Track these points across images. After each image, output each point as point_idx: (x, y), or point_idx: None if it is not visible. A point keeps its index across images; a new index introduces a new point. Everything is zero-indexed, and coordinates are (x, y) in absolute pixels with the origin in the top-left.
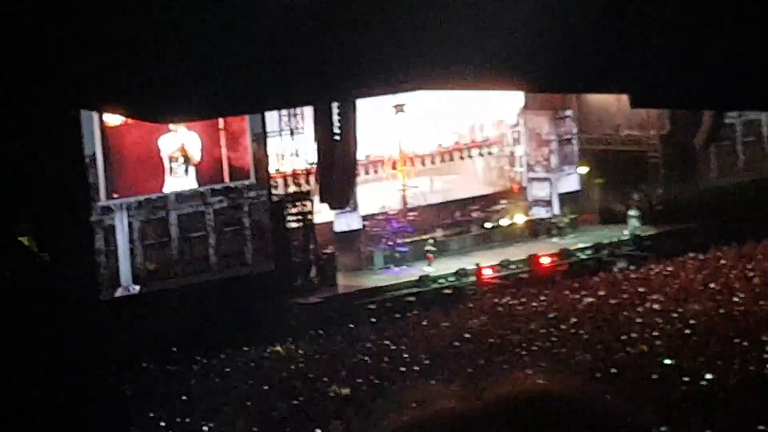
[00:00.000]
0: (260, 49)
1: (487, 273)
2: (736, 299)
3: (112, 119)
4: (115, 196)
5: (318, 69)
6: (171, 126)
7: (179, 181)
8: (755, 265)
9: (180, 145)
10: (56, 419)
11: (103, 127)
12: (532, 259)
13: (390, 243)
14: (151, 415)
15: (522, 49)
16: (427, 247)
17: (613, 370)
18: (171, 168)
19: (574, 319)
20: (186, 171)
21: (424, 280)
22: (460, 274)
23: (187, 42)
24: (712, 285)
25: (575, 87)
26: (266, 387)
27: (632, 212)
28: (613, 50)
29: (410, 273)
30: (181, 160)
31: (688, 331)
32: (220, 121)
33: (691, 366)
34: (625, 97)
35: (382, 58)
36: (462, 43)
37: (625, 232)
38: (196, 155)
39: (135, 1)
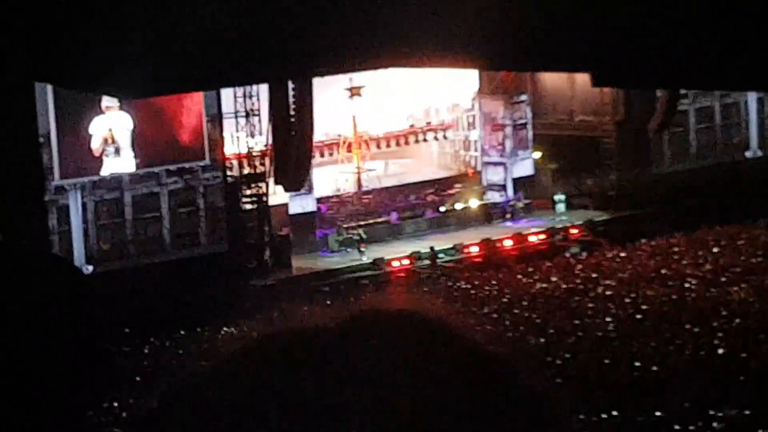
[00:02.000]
0: (215, 25)
1: (441, 256)
2: (687, 285)
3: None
4: (70, 176)
5: (274, 46)
6: (103, 106)
7: (115, 163)
8: (707, 252)
9: (108, 127)
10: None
11: (58, 106)
12: (488, 242)
13: (344, 226)
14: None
15: (483, 26)
16: (358, 234)
17: (566, 355)
18: (105, 151)
19: (526, 303)
20: (117, 153)
21: (377, 263)
22: (414, 257)
23: (141, 16)
24: (663, 271)
25: (537, 65)
26: None
27: (558, 197)
28: (575, 28)
29: (363, 256)
30: (110, 142)
31: (639, 316)
32: (174, 100)
33: (642, 351)
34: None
35: (339, 35)
36: (421, 19)
37: (558, 219)
38: (123, 138)
39: None
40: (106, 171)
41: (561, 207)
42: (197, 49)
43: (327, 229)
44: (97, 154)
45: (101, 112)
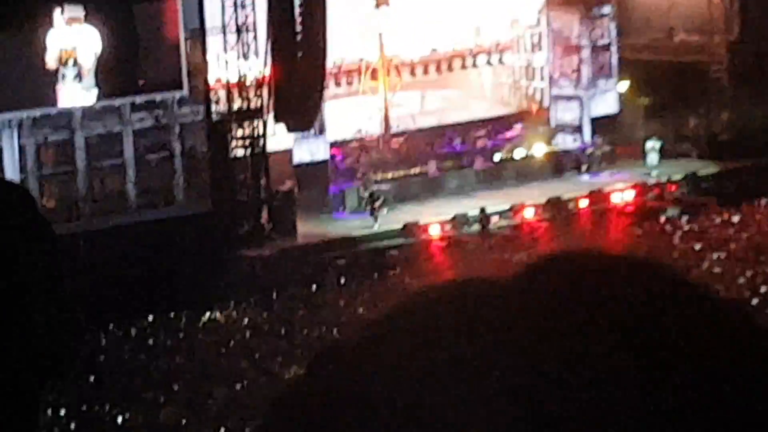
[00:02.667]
0: None
1: (494, 220)
2: None
3: None
4: (3, 109)
5: None
6: (65, 17)
7: (74, 91)
8: None
9: (71, 43)
10: None
11: None
12: (555, 203)
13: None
14: (50, 399)
15: None
16: (371, 193)
17: None
18: (62, 74)
19: None
20: (79, 78)
21: (410, 228)
22: (458, 221)
23: None
24: None
25: None
26: (200, 366)
27: (651, 143)
28: None
29: (392, 219)
30: (71, 63)
31: (757, 301)
32: (146, 10)
33: None
34: None
35: None
36: None
37: (650, 173)
38: (87, 61)
39: None
40: (63, 102)
41: (654, 157)
42: None
43: (344, 183)
44: (51, 69)
45: (60, 24)
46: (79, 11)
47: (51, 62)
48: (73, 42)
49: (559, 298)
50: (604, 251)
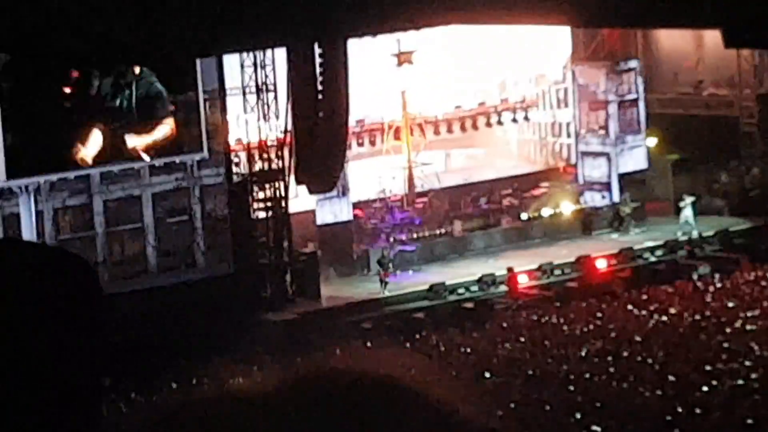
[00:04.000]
0: None
1: (523, 281)
2: None
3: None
4: (20, 174)
5: None
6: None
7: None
8: None
9: None
10: None
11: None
12: (584, 261)
13: (391, 240)
14: None
15: None
16: (379, 259)
17: (697, 410)
18: None
19: (639, 344)
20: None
21: (437, 290)
22: (486, 282)
23: None
24: None
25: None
26: None
27: (686, 200)
28: None
29: (418, 280)
30: None
31: None
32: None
33: None
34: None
35: None
36: None
37: (681, 232)
38: None
39: None
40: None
41: (688, 214)
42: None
43: (369, 243)
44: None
45: None
46: None
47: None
48: None
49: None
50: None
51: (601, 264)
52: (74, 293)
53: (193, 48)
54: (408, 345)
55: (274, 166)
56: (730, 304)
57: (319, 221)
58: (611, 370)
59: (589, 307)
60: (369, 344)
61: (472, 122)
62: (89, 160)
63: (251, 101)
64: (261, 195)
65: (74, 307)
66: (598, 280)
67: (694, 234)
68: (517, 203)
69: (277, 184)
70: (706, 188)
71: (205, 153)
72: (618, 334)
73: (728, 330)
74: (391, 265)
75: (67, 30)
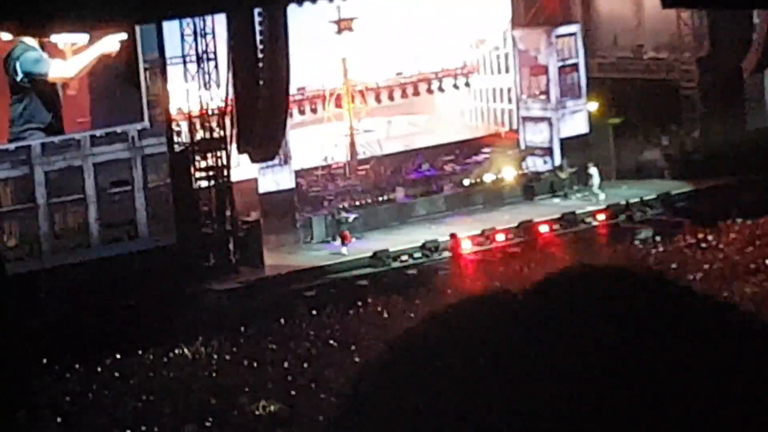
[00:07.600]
0: None
1: (466, 246)
2: None
3: None
4: None
5: None
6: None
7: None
8: None
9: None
10: None
11: None
12: (527, 227)
13: (334, 207)
14: None
15: None
16: (342, 222)
17: None
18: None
19: None
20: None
21: (380, 257)
22: (429, 248)
23: None
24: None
25: None
26: (168, 404)
27: (592, 169)
28: None
29: (361, 248)
30: None
31: None
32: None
33: None
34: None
35: None
36: None
37: (594, 194)
38: None
39: None
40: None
41: (596, 182)
42: None
43: (311, 211)
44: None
45: None
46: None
47: None
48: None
49: (575, 308)
50: (614, 265)
51: (544, 229)
52: None
53: (132, 14)
54: (351, 312)
55: (215, 135)
56: (672, 267)
57: (262, 190)
58: None
59: (531, 271)
60: (313, 312)
61: (413, 89)
62: None
63: (192, 70)
64: (203, 164)
65: None
66: (540, 245)
67: (601, 198)
68: (459, 169)
69: (219, 153)
70: (647, 152)
71: (147, 123)
72: None
73: None
74: (345, 218)
75: None
